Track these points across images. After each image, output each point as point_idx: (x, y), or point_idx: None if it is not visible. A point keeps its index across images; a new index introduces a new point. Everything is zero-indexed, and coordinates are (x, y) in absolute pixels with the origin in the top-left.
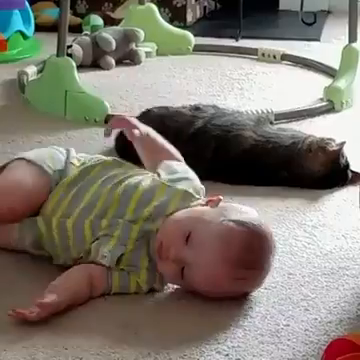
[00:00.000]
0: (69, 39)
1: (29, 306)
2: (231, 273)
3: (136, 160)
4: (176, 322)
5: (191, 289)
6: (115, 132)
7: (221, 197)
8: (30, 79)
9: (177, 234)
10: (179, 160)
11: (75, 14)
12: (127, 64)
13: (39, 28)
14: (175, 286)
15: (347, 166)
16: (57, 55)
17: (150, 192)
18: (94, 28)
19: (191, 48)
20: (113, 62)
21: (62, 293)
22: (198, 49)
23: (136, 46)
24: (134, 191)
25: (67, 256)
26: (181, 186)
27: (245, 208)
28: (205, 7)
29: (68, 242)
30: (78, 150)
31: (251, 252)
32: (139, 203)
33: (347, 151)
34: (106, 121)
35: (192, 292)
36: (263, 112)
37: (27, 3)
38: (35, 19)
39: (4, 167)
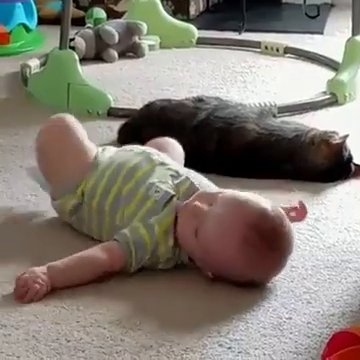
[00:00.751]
0: (72, 32)
1: None
2: (244, 233)
3: None
4: (178, 315)
5: (199, 253)
6: (118, 124)
7: None
8: (33, 72)
9: (202, 198)
10: None
11: (78, 7)
12: (130, 57)
13: (42, 21)
14: (177, 280)
15: (350, 159)
16: (60, 48)
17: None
18: (97, 21)
19: (194, 41)
20: (116, 55)
21: (61, 281)
22: (201, 42)
23: (139, 39)
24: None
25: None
26: None
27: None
28: (208, 0)
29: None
30: None
31: (271, 224)
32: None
33: (350, 144)
34: (109, 114)
35: (197, 270)
36: (266, 105)
37: None
38: (38, 12)
39: None
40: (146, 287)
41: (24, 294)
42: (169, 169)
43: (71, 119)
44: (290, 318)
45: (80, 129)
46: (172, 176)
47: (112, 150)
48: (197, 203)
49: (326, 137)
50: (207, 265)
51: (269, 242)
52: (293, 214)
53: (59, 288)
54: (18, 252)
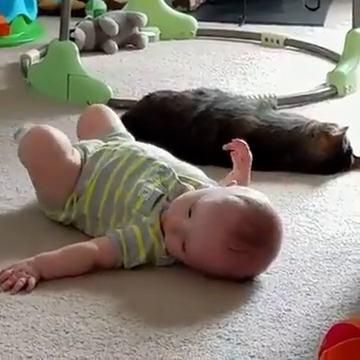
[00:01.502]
0: (72, 23)
1: None
2: (228, 242)
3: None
4: (177, 307)
5: (192, 264)
6: (119, 115)
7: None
8: (33, 63)
9: (181, 207)
10: None
11: None
12: (130, 48)
13: (42, 12)
14: (176, 272)
15: (350, 151)
16: (60, 39)
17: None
18: (97, 12)
19: (194, 33)
20: (116, 46)
21: (49, 271)
22: (201, 34)
23: (139, 30)
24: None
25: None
26: None
27: (257, 192)
28: None
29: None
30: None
31: (252, 225)
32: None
33: (350, 136)
34: (109, 105)
35: (195, 271)
36: (266, 97)
37: None
38: (38, 3)
39: None
40: (145, 279)
41: (8, 288)
42: (155, 165)
43: (49, 133)
44: (289, 310)
45: (60, 141)
46: (159, 173)
47: (97, 147)
48: (176, 219)
49: (326, 129)
50: (202, 272)
51: (255, 242)
52: None
53: (48, 278)
54: (17, 243)
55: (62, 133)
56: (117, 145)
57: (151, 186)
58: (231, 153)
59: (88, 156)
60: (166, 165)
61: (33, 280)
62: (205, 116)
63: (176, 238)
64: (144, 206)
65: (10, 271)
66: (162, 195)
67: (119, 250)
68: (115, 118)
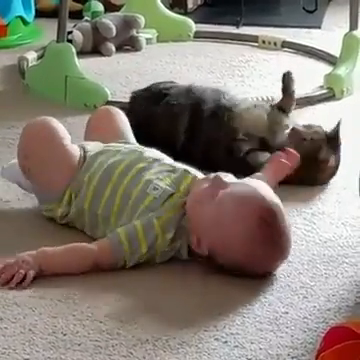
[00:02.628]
0: (69, 25)
1: None
2: (263, 212)
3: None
4: (175, 309)
5: (208, 224)
6: None
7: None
8: (30, 65)
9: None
10: None
11: (75, 0)
12: (127, 50)
13: (39, 14)
14: (173, 274)
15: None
16: (57, 41)
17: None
18: (95, 14)
19: (192, 35)
20: (113, 48)
21: (49, 267)
22: (199, 36)
23: (136, 32)
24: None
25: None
26: None
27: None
28: None
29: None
30: (78, 136)
31: (276, 216)
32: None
33: (348, 138)
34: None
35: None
36: (263, 99)
37: None
38: (35, 5)
39: None
40: (143, 281)
41: (7, 281)
42: (164, 164)
43: (53, 123)
44: (286, 313)
45: (62, 132)
46: (169, 171)
47: (98, 147)
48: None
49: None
50: (209, 238)
51: (277, 229)
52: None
53: (47, 274)
54: (15, 245)
55: (62, 126)
56: (121, 146)
57: (162, 184)
58: (280, 153)
59: (88, 154)
60: (175, 165)
61: (32, 273)
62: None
63: (211, 189)
64: (153, 203)
65: (12, 261)
66: (173, 193)
67: (120, 250)
68: (125, 123)
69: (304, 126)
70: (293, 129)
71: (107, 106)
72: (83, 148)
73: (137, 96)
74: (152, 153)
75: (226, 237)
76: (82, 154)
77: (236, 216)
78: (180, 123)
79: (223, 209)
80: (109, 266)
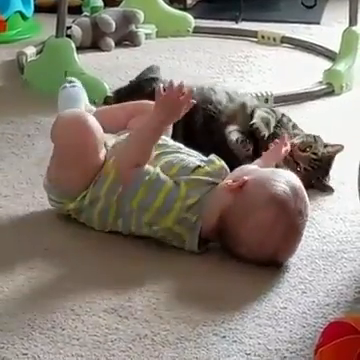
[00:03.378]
0: (69, 20)
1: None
2: (286, 193)
3: None
4: (173, 304)
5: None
6: None
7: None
8: (29, 60)
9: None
10: None
11: None
12: (126, 46)
13: (38, 9)
14: (173, 270)
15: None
16: (56, 36)
17: None
18: (94, 9)
19: (191, 30)
20: (112, 43)
21: None
22: (198, 31)
23: (136, 28)
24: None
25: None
26: None
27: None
28: None
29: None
30: None
31: (296, 200)
32: None
33: (346, 134)
34: (105, 102)
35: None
36: (262, 95)
37: None
38: (34, 0)
39: None
40: (141, 277)
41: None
42: (189, 152)
43: (94, 124)
44: (285, 308)
45: (99, 135)
46: (196, 157)
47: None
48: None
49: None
50: (228, 217)
51: (297, 216)
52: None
53: None
54: (15, 239)
55: (100, 127)
56: None
57: (191, 159)
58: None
59: (108, 149)
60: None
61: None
62: None
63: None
64: (182, 170)
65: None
66: (200, 166)
67: (141, 176)
68: None
69: (302, 144)
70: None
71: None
72: (105, 146)
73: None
74: (175, 144)
75: (244, 218)
76: (106, 154)
77: (256, 205)
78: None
79: (247, 195)
80: (126, 174)
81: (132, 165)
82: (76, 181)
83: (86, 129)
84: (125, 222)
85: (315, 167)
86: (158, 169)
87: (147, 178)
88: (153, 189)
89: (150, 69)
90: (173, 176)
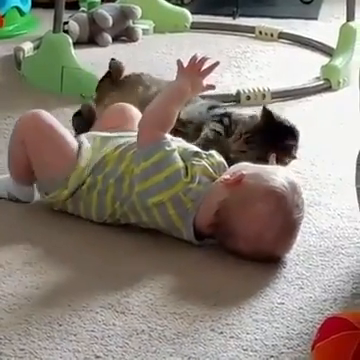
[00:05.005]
0: (66, 16)
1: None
2: (284, 188)
3: None
4: (170, 299)
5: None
6: None
7: None
8: (26, 55)
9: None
10: None
11: None
12: (124, 41)
13: (36, 4)
14: (169, 265)
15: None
16: (54, 31)
17: None
18: (91, 5)
19: (188, 26)
20: (110, 39)
21: None
22: (195, 27)
23: (133, 23)
24: None
25: None
26: None
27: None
28: None
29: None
30: None
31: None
32: None
33: (345, 130)
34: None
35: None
36: (260, 90)
37: None
38: None
39: None
40: (138, 272)
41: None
42: (189, 146)
43: (46, 114)
44: (282, 303)
45: (57, 122)
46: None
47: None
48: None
49: None
50: (227, 212)
51: (294, 210)
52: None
53: None
54: (9, 237)
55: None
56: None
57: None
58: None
59: (84, 140)
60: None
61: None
62: None
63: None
64: (185, 153)
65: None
66: (199, 152)
67: (159, 145)
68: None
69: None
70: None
71: (120, 103)
72: (76, 137)
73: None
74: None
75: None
76: (78, 141)
77: (255, 197)
78: None
79: (245, 189)
80: (146, 135)
81: (155, 125)
82: (55, 163)
83: (39, 113)
84: (122, 203)
85: (252, 141)
86: (176, 146)
87: (168, 149)
88: (166, 161)
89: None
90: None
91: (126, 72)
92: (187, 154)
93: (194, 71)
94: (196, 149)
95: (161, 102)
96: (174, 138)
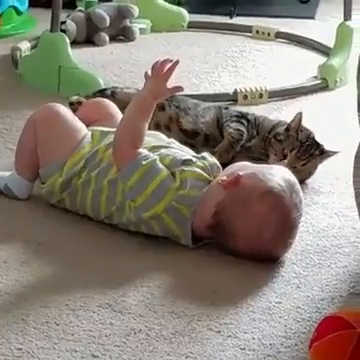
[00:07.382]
0: (63, 15)
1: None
2: (280, 186)
3: None
4: (168, 299)
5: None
6: None
7: None
8: (23, 55)
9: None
10: None
11: None
12: (121, 40)
13: (33, 3)
14: (167, 265)
15: None
16: (51, 31)
17: None
18: (88, 4)
19: (185, 25)
20: (107, 38)
21: None
22: (192, 26)
23: (130, 22)
24: None
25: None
26: None
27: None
28: None
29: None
30: None
31: (290, 195)
32: None
33: (341, 129)
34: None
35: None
36: (257, 90)
37: None
38: None
39: None
40: (136, 271)
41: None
42: (182, 148)
43: (63, 107)
44: (280, 302)
45: (71, 114)
46: (189, 153)
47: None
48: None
49: None
50: (224, 212)
51: (292, 209)
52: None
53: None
54: (6, 236)
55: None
56: None
57: (182, 152)
58: None
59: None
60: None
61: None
62: None
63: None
64: (174, 162)
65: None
66: (190, 159)
67: (137, 165)
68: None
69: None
70: None
71: (97, 98)
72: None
73: None
74: (168, 138)
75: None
76: (87, 131)
77: (252, 197)
78: None
79: (242, 189)
80: (122, 155)
81: (127, 145)
82: (58, 148)
83: (55, 105)
84: (118, 208)
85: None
86: (157, 156)
87: (144, 163)
88: (149, 175)
89: None
90: (166, 168)
91: (121, 74)
92: (175, 162)
93: (158, 76)
94: (186, 157)
95: (127, 119)
96: (169, 145)
